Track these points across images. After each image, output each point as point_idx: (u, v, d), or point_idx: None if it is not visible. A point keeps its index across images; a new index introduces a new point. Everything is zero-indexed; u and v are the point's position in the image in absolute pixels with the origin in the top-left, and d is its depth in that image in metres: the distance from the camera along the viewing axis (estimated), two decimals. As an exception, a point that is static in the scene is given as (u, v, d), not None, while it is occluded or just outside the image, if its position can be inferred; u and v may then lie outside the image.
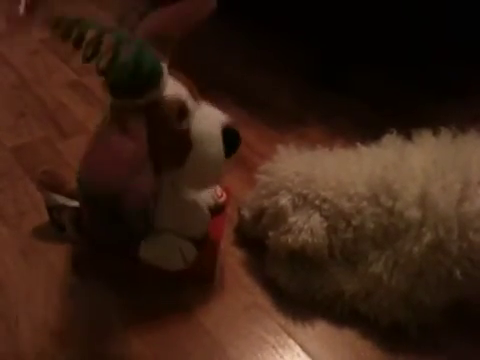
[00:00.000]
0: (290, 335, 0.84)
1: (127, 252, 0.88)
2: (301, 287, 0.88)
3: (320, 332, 0.85)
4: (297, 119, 1.35)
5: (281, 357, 0.81)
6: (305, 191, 0.86)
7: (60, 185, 0.95)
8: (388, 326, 0.83)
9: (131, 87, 0.70)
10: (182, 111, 0.75)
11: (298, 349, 0.82)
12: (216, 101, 0.82)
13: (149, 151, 0.70)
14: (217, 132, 0.78)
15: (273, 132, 1.29)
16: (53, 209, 0.96)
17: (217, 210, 0.98)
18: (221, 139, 0.78)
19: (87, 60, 0.69)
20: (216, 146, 0.78)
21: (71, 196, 0.92)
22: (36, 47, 1.64)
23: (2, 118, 1.32)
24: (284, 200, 0.87)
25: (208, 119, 0.79)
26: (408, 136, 0.92)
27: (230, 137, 0.79)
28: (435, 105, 1.34)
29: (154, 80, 0.71)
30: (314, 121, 1.34)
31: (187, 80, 0.79)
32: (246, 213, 0.96)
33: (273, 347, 0.82)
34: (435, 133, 0.90)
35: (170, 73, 0.76)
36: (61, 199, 0.93)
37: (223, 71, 1.53)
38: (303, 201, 0.86)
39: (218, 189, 1.00)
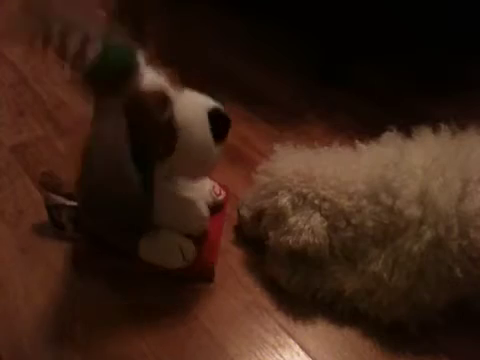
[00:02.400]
0: (290, 334, 0.84)
1: (126, 250, 0.88)
2: (301, 286, 0.87)
3: (320, 331, 0.84)
4: (297, 115, 1.34)
5: (281, 356, 0.81)
6: (305, 190, 0.86)
7: (59, 186, 0.95)
8: (388, 325, 0.82)
9: (107, 84, 0.71)
10: (164, 101, 0.75)
11: (298, 348, 0.82)
12: (214, 97, 0.82)
13: (136, 145, 0.71)
14: (202, 115, 0.77)
15: (272, 129, 1.29)
16: (52, 208, 0.96)
17: (216, 208, 0.98)
18: (207, 122, 0.77)
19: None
20: (202, 129, 0.77)
21: (70, 197, 0.93)
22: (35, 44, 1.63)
23: (1, 116, 1.32)
24: (284, 200, 0.86)
25: (191, 104, 0.78)
26: (408, 133, 0.91)
27: (217, 120, 0.78)
28: (435, 101, 1.34)
29: (123, 75, 0.71)
30: (314, 117, 1.34)
31: (167, 70, 0.79)
32: (246, 213, 0.96)
33: (273, 346, 0.82)
34: (435, 130, 0.90)
35: (148, 63, 0.76)
36: (60, 199, 0.94)
37: (223, 67, 1.52)
38: (303, 201, 0.86)
39: (217, 187, 1.00)
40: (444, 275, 0.78)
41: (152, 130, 0.74)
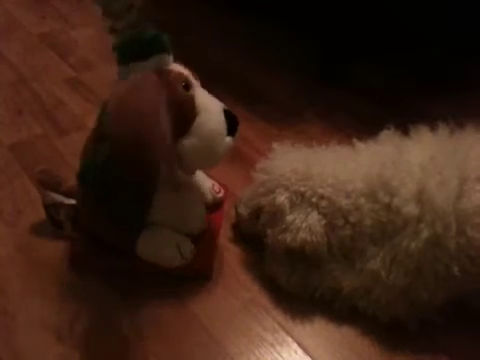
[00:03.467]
0: (288, 332, 0.84)
1: (124, 249, 0.88)
2: (299, 284, 0.87)
3: (318, 329, 0.85)
4: (296, 114, 1.34)
5: (279, 354, 0.81)
6: (302, 188, 0.86)
7: (57, 184, 0.95)
8: (387, 323, 0.83)
9: (140, 48, 0.75)
10: (187, 82, 0.78)
11: (296, 346, 0.82)
12: (214, 96, 0.83)
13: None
14: (219, 107, 0.81)
15: (272, 128, 1.29)
16: (50, 206, 0.96)
17: (215, 206, 0.98)
18: (223, 114, 0.80)
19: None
20: (218, 118, 0.80)
21: (68, 194, 0.93)
22: (34, 43, 1.64)
23: (0, 115, 1.32)
24: (281, 198, 0.86)
25: (210, 96, 0.82)
26: (406, 132, 0.91)
27: (229, 117, 0.81)
28: (433, 100, 1.34)
29: (160, 46, 0.76)
30: (313, 116, 1.34)
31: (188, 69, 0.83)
32: (244, 211, 0.96)
33: (271, 344, 0.82)
34: (433, 129, 0.90)
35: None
36: (58, 197, 0.94)
37: (222, 66, 1.52)
38: (301, 199, 0.86)
39: (216, 185, 1.00)
40: (442, 273, 0.79)
41: (174, 104, 0.75)
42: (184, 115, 0.77)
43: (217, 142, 0.80)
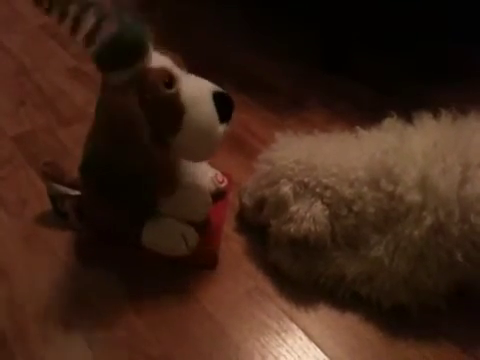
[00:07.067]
0: (292, 319, 0.84)
1: (129, 239, 0.88)
2: (303, 272, 0.88)
3: (322, 316, 0.85)
4: (298, 103, 1.34)
5: (283, 341, 0.81)
6: (306, 179, 0.86)
7: (61, 176, 0.96)
8: (390, 309, 0.83)
9: (115, 59, 0.73)
10: (170, 78, 0.76)
11: (300, 333, 0.83)
12: (217, 85, 0.82)
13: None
14: (207, 95, 0.79)
15: (274, 117, 1.29)
16: (55, 197, 0.97)
17: (218, 195, 0.98)
18: (212, 101, 0.78)
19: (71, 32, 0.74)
20: (208, 107, 0.78)
21: (73, 186, 0.93)
22: (35, 34, 1.63)
23: (3, 106, 1.32)
24: (285, 189, 0.86)
25: (197, 84, 0.80)
26: (408, 119, 0.91)
27: (221, 101, 0.79)
28: (436, 87, 1.33)
29: (137, 53, 0.73)
30: (315, 104, 1.34)
31: (173, 55, 0.81)
32: (248, 201, 0.96)
33: (276, 331, 0.83)
34: (435, 116, 0.90)
35: (156, 48, 0.78)
36: (63, 188, 0.94)
37: (224, 55, 1.52)
38: (304, 189, 0.86)
39: (219, 174, 1.00)
40: (445, 260, 0.79)
41: (159, 105, 0.75)
42: (170, 114, 0.76)
43: (210, 134, 0.79)
